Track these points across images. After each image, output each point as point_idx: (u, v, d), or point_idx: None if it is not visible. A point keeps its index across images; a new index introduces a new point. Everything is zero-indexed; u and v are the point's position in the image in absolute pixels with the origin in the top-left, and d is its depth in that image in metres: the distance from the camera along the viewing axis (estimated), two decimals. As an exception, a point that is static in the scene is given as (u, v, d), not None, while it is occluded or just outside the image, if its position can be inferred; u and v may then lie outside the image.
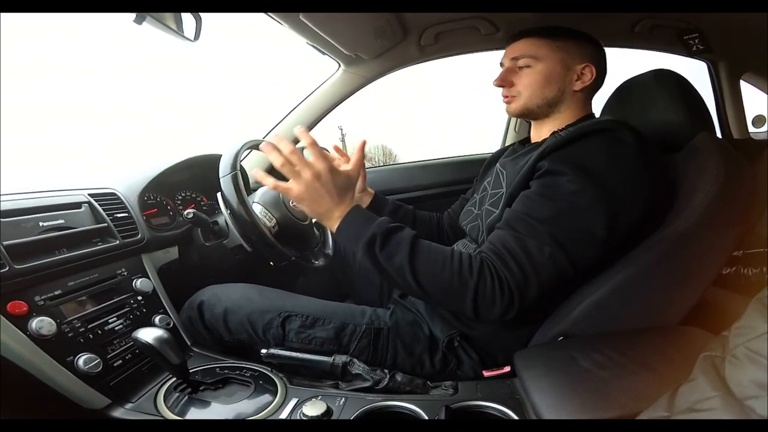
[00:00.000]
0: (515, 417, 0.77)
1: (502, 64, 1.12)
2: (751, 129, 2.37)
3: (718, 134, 2.12)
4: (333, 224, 0.90)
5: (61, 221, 1.00)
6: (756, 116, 2.41)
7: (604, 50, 1.09)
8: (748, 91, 2.30)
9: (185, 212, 1.17)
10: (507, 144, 1.57)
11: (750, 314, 0.48)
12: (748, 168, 0.86)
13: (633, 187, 0.83)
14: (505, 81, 1.08)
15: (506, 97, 1.10)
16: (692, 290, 0.90)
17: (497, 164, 1.15)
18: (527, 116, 1.11)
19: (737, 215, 0.85)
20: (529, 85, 1.05)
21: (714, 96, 2.29)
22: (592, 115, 1.09)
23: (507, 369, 0.92)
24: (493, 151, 1.41)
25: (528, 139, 1.18)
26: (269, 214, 1.13)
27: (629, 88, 1.08)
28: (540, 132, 1.11)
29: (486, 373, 0.95)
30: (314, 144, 0.88)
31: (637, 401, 0.65)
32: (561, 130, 1.02)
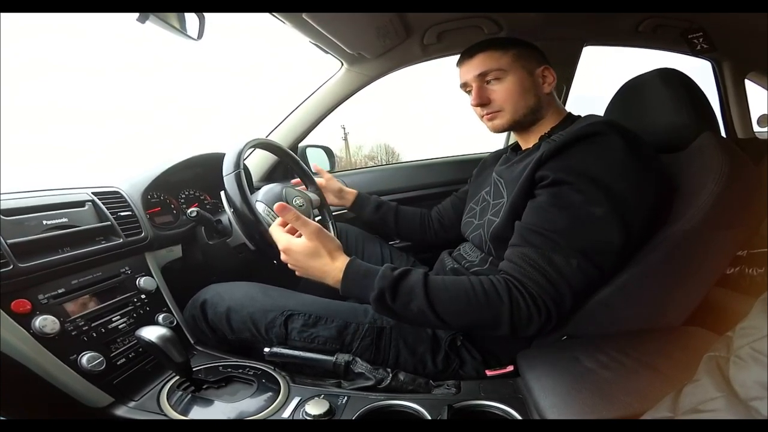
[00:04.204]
0: (518, 417, 0.77)
1: (466, 85, 1.11)
2: (756, 128, 2.36)
3: (723, 134, 2.12)
4: (334, 286, 0.90)
5: (64, 220, 1.00)
6: (761, 116, 2.40)
7: (544, 52, 1.12)
8: (753, 90, 2.30)
9: (189, 211, 1.17)
10: (510, 142, 1.57)
11: (755, 315, 0.48)
12: (753, 168, 0.86)
13: (638, 188, 0.83)
14: (482, 98, 1.08)
15: (488, 114, 1.10)
16: (696, 290, 0.90)
17: (493, 173, 1.15)
18: (514, 128, 1.12)
19: (741, 215, 0.85)
20: (508, 97, 1.06)
21: (718, 95, 2.28)
22: (572, 114, 1.10)
23: (510, 368, 0.92)
24: (495, 149, 1.42)
25: (518, 145, 1.19)
26: (272, 212, 1.13)
27: (633, 88, 1.07)
28: (528, 139, 1.12)
29: (489, 373, 0.94)
30: (286, 214, 0.88)
31: (640, 401, 0.65)
32: (549, 134, 1.04)
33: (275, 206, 0.88)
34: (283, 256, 0.92)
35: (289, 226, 0.92)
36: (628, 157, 0.84)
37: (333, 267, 0.88)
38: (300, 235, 0.90)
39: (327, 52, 1.60)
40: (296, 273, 0.93)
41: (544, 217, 0.85)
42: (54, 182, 1.11)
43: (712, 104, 1.00)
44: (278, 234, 0.92)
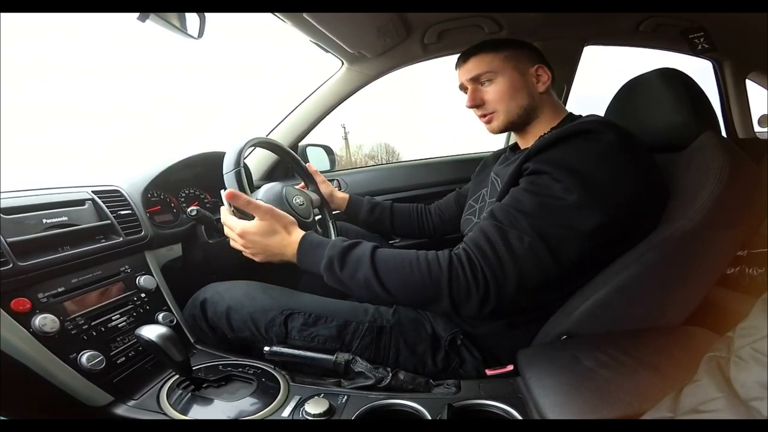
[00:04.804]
0: (518, 416, 0.76)
1: (462, 87, 1.15)
2: (756, 128, 2.36)
3: (723, 133, 2.12)
4: (292, 259, 0.94)
5: (64, 218, 1.00)
6: (762, 115, 2.40)
7: (540, 51, 1.13)
8: (754, 90, 2.30)
9: (189, 210, 1.17)
10: (510, 142, 1.58)
11: (755, 315, 0.48)
12: (753, 167, 0.86)
13: (616, 186, 0.83)
14: (476, 100, 1.11)
15: (484, 116, 1.13)
16: (696, 290, 0.90)
17: (492, 173, 1.18)
18: (511, 129, 1.14)
19: (741, 215, 0.84)
20: (500, 98, 1.09)
21: (719, 95, 2.28)
22: (572, 114, 1.10)
23: (510, 368, 0.91)
24: (496, 148, 1.43)
25: (517, 145, 1.20)
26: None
27: (634, 87, 1.07)
28: (526, 139, 1.14)
29: (489, 372, 0.94)
30: (237, 199, 0.94)
31: (640, 401, 0.65)
32: (546, 133, 1.04)
33: (224, 194, 0.94)
34: (240, 241, 0.97)
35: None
36: (617, 153, 0.85)
37: (290, 241, 0.94)
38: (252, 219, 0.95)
39: (328, 51, 1.60)
40: (256, 259, 0.98)
41: (515, 198, 0.87)
42: (54, 181, 1.11)
43: (712, 104, 1.00)
44: (230, 220, 0.97)
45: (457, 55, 1.15)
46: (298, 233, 0.95)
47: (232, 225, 0.97)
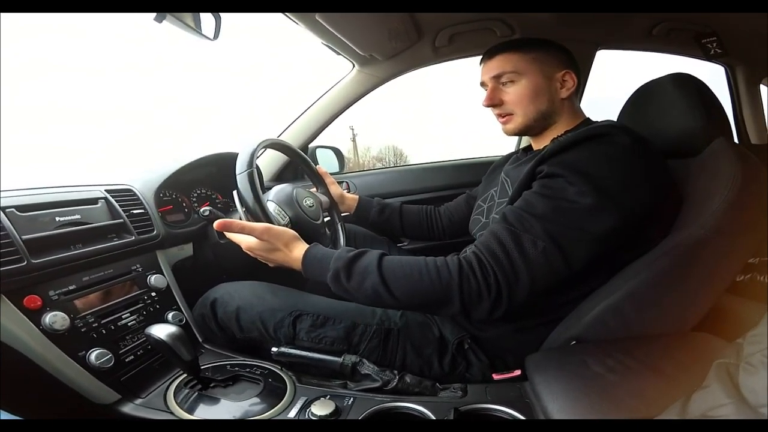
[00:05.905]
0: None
1: (483, 84, 1.13)
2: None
3: (735, 139, 2.09)
4: (299, 269, 0.97)
5: (77, 216, 1.01)
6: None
7: (572, 54, 1.11)
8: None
9: (201, 210, 1.18)
10: (521, 146, 1.57)
11: (766, 322, 0.48)
12: (766, 174, 0.85)
13: (629, 190, 0.83)
14: (494, 99, 1.09)
15: (501, 116, 1.11)
16: (706, 296, 0.89)
17: (502, 173, 1.17)
18: (527, 133, 1.13)
19: (754, 222, 0.84)
20: (519, 101, 1.07)
21: (731, 100, 2.26)
22: (589, 119, 1.09)
23: (517, 372, 0.91)
24: (506, 153, 1.42)
25: (530, 146, 1.20)
26: (283, 212, 1.13)
27: (646, 92, 1.07)
28: (540, 141, 1.13)
29: (496, 377, 0.94)
30: (230, 228, 0.97)
31: (649, 407, 0.65)
32: (560, 136, 1.04)
33: (216, 224, 0.96)
34: (251, 254, 1.01)
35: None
36: (630, 158, 0.84)
37: (292, 257, 0.96)
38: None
39: (339, 54, 1.60)
40: (270, 265, 1.02)
41: (528, 201, 0.87)
42: (67, 179, 1.12)
43: (725, 109, 0.99)
44: (237, 237, 1.00)
45: (468, 58, 1.14)
46: (300, 249, 0.96)
47: (237, 241, 1.00)
